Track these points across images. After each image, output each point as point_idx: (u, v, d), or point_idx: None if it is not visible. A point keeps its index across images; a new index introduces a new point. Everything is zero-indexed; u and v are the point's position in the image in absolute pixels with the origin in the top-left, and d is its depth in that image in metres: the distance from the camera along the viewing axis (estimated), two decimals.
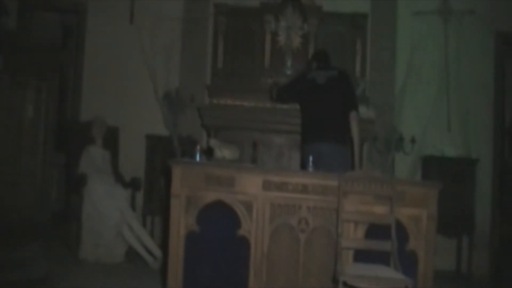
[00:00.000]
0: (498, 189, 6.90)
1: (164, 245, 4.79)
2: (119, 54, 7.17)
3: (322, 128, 5.40)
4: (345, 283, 3.53)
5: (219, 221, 4.10)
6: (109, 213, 6.18)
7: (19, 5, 7.13)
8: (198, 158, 4.27)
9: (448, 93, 7.09)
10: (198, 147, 4.32)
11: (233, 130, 6.56)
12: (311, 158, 4.48)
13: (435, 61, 7.15)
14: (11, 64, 4.86)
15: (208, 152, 4.70)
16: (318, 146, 5.25)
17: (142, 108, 7.04)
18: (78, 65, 7.47)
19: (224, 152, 4.47)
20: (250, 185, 4.06)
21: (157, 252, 6.14)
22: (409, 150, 6.80)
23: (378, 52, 7.33)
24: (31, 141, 5.10)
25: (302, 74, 5.92)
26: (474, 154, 7.01)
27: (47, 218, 5.47)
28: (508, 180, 5.56)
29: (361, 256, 4.00)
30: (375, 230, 4.01)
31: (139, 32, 6.97)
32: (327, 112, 5.44)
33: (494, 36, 7.27)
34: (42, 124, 5.27)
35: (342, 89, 5.52)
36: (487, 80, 7.25)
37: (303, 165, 5.33)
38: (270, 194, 4.06)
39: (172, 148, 6.59)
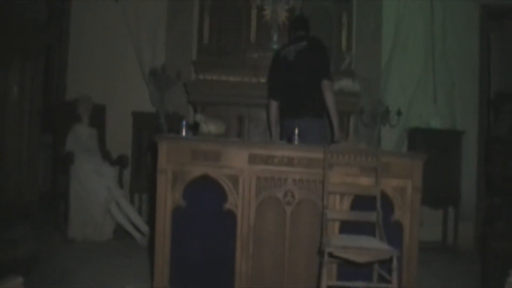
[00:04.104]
0: (484, 160, 6.94)
1: (151, 222, 4.81)
2: (105, 32, 7.12)
3: (296, 105, 5.38)
4: (330, 254, 3.56)
5: (206, 195, 4.10)
6: (96, 191, 6.19)
7: None
8: (184, 134, 4.27)
9: (434, 66, 7.08)
10: (184, 122, 4.31)
11: (219, 106, 6.58)
12: (296, 131, 4.47)
13: (421, 34, 7.14)
14: None
15: (194, 128, 4.70)
16: (293, 122, 5.17)
17: (129, 85, 7.01)
18: (63, 45, 7.41)
19: (210, 127, 4.46)
20: (236, 159, 4.06)
21: (145, 228, 6.16)
22: (395, 122, 6.82)
23: (364, 25, 7.33)
24: (17, 122, 5.06)
25: (275, 54, 5.83)
26: (459, 126, 7.05)
27: (35, 198, 5.46)
28: (493, 151, 5.59)
29: (347, 227, 4.03)
30: (361, 202, 4.03)
31: (124, 10, 6.92)
32: (299, 88, 5.40)
33: (480, 8, 7.26)
34: (27, 104, 5.22)
35: (312, 61, 5.40)
36: (472, 53, 7.26)
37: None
38: (256, 167, 4.07)
39: (158, 125, 6.59)
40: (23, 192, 5.23)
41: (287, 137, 5.01)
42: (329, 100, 5.26)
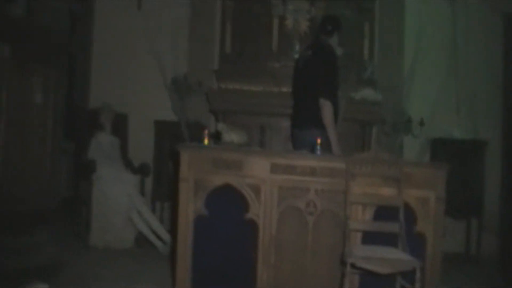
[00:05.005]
0: (507, 171, 6.87)
1: (173, 230, 4.81)
2: (127, 40, 7.18)
3: (297, 114, 5.38)
4: (353, 265, 3.53)
5: (227, 204, 4.11)
6: (118, 199, 6.22)
7: None
8: (206, 143, 4.27)
9: (457, 75, 7.04)
10: (206, 131, 4.32)
11: (240, 114, 6.57)
12: (319, 140, 4.43)
13: (443, 43, 7.11)
14: (19, 51, 4.86)
15: (216, 137, 4.70)
16: (294, 132, 5.28)
17: (150, 94, 7.05)
18: (86, 52, 7.47)
19: (232, 136, 4.46)
20: (258, 168, 4.06)
21: (166, 237, 6.18)
22: (418, 132, 6.78)
23: (386, 35, 7.29)
24: (40, 129, 5.12)
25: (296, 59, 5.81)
26: (482, 136, 6.98)
27: (56, 205, 5.50)
28: None
29: (369, 238, 4.00)
30: (383, 212, 4.01)
31: (147, 18, 6.97)
32: (301, 97, 5.34)
33: (502, 17, 7.20)
34: (51, 111, 5.28)
35: (313, 72, 5.19)
36: (495, 62, 7.19)
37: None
38: (278, 177, 4.06)
39: (180, 133, 6.60)
40: (45, 198, 5.28)
41: (298, 146, 4.98)
42: (325, 119, 5.03)
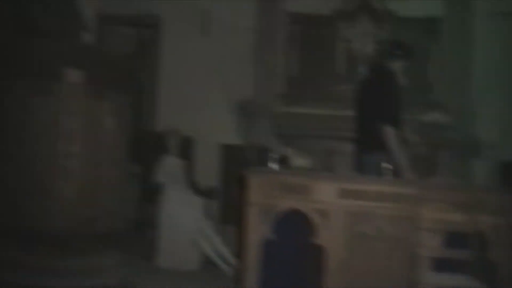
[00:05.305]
0: None
1: (239, 253, 4.81)
2: (193, 64, 7.29)
3: (361, 138, 5.33)
4: None
5: (294, 229, 4.08)
6: (184, 222, 6.27)
7: (98, 21, 7.38)
8: (272, 167, 4.27)
9: None
10: (273, 155, 4.32)
11: (307, 138, 6.56)
12: (385, 165, 4.38)
13: None
14: (90, 77, 5.01)
15: (283, 161, 4.70)
16: (359, 156, 5.22)
17: (217, 118, 7.13)
18: (153, 76, 7.63)
19: (298, 161, 4.47)
20: (325, 193, 4.02)
21: (232, 260, 6.18)
22: (488, 155, 6.62)
23: (454, 56, 7.18)
24: (110, 153, 5.24)
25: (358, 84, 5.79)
26: None
27: (125, 227, 5.61)
28: None
29: (440, 265, 3.91)
30: (454, 239, 3.91)
31: (213, 42, 7.07)
32: (363, 121, 5.29)
33: None
34: (120, 135, 5.41)
35: (373, 97, 5.15)
36: None
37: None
38: (345, 202, 4.01)
39: (246, 157, 6.63)
40: (113, 220, 5.38)
41: (363, 170, 4.93)
42: (389, 145, 4.94)
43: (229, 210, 6.87)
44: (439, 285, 3.48)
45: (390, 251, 4.01)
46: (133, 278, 5.30)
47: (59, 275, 4.68)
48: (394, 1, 7.08)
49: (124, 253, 5.47)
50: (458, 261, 3.82)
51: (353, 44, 7.08)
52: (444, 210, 3.95)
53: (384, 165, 4.30)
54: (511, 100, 6.85)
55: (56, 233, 4.90)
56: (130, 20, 8.04)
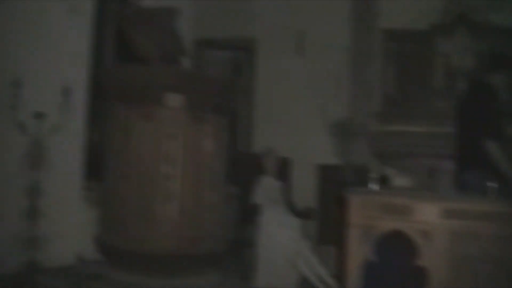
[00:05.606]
0: None
1: (338, 275, 4.75)
2: (289, 85, 7.34)
3: (463, 156, 5.12)
4: None
5: (396, 250, 4.00)
6: (282, 243, 6.26)
7: (196, 46, 7.58)
8: (373, 187, 4.21)
9: None
10: (372, 175, 4.26)
11: (406, 157, 6.44)
12: (489, 183, 4.21)
13: None
14: (191, 101, 5.14)
15: (382, 181, 4.62)
16: (462, 174, 5.01)
17: (313, 138, 7.12)
18: (249, 98, 7.72)
19: (399, 180, 4.38)
20: (428, 213, 3.92)
21: (331, 281, 6.11)
22: None
23: None
24: (210, 174, 5.34)
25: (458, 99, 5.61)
26: None
27: (225, 248, 5.67)
28: None
29: None
30: None
31: (307, 62, 7.09)
32: (458, 137, 5.16)
33: None
34: (219, 157, 5.50)
35: (474, 112, 4.96)
36: None
37: None
38: (449, 222, 3.90)
39: (344, 177, 6.58)
40: (215, 241, 5.47)
41: (466, 188, 4.75)
42: (494, 161, 4.76)
43: (327, 230, 6.82)
44: None
45: (495, 273, 3.86)
46: None
47: None
48: (494, 12, 6.88)
49: (223, 273, 5.53)
50: None
51: (451, 58, 6.90)
52: None
53: (489, 183, 4.13)
54: None
55: (159, 254, 5.02)
56: (226, 43, 8.20)
